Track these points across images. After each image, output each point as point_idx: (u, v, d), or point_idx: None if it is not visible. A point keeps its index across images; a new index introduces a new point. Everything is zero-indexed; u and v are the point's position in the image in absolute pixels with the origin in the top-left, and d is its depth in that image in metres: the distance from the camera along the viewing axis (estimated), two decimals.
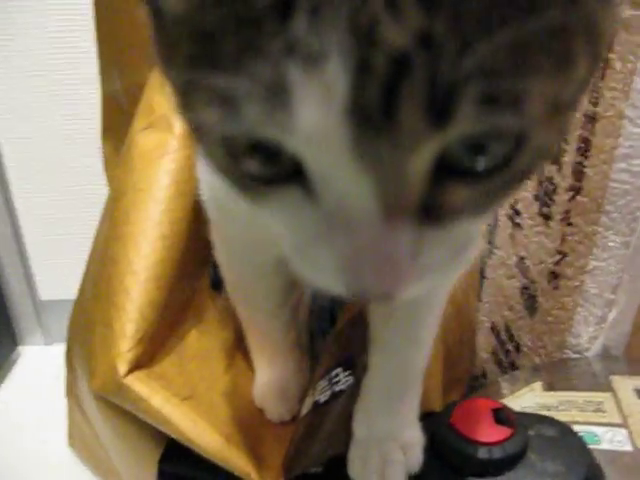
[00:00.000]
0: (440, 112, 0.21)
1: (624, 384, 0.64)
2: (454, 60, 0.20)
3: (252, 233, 0.44)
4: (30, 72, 1.04)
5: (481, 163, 0.24)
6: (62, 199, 1.12)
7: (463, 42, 0.20)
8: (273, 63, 0.21)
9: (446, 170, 0.24)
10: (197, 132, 0.26)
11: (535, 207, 0.74)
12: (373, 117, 0.21)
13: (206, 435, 0.53)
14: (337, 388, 0.53)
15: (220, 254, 0.53)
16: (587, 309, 0.68)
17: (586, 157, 0.64)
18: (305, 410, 0.55)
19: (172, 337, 0.60)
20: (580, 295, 0.68)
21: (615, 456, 0.55)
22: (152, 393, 0.53)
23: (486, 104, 0.21)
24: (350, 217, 0.24)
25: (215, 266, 0.59)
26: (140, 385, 0.53)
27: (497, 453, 0.49)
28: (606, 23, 0.24)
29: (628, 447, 0.55)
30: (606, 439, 0.57)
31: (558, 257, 0.69)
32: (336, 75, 0.21)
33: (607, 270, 0.66)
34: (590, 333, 0.69)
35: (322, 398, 0.54)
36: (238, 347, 0.65)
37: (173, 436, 0.54)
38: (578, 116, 0.64)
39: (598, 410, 0.61)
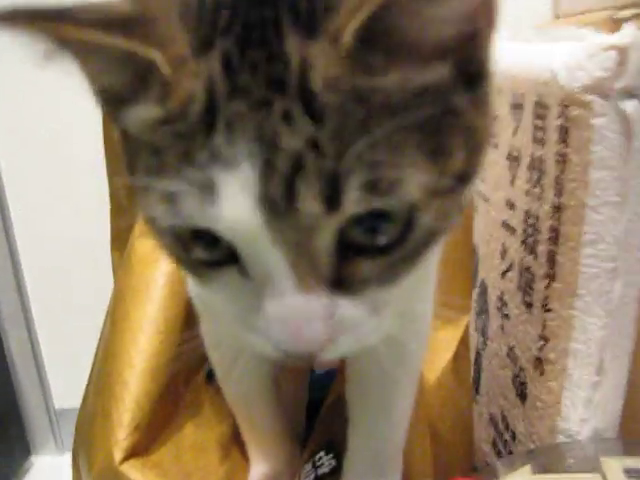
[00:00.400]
0: (330, 199, 0.27)
1: (614, 464, 0.64)
2: (338, 158, 0.26)
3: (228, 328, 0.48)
4: None
5: (377, 241, 0.29)
6: (78, 308, 1.17)
7: (345, 143, 0.26)
8: (202, 168, 0.27)
9: (350, 247, 0.29)
10: (152, 226, 0.32)
11: (519, 297, 0.77)
12: (279, 206, 0.27)
13: None
14: (320, 471, 0.55)
15: (208, 345, 0.57)
16: (573, 392, 0.70)
17: (557, 245, 0.68)
18: None
19: (168, 428, 0.62)
20: (565, 379, 0.70)
21: None
22: (147, 478, 0.56)
23: (368, 190, 0.27)
24: (272, 288, 0.29)
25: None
26: (135, 473, 0.56)
27: None
28: (480, 123, 0.30)
29: None
30: None
31: (541, 343, 0.71)
32: (248, 175, 0.27)
33: (587, 352, 0.68)
34: (579, 416, 0.70)
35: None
36: (234, 440, 0.68)
37: None
38: (547, 207, 0.69)
39: None
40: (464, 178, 0.30)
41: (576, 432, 0.71)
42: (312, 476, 0.56)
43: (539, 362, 0.73)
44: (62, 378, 1.20)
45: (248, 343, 0.33)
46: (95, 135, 0.93)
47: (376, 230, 0.29)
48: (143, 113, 0.29)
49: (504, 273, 0.82)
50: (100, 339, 0.71)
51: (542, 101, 0.69)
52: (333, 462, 0.56)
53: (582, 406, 0.70)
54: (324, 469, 0.56)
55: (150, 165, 0.29)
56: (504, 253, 0.82)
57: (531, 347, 0.74)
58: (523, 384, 0.76)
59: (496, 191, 0.85)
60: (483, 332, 0.90)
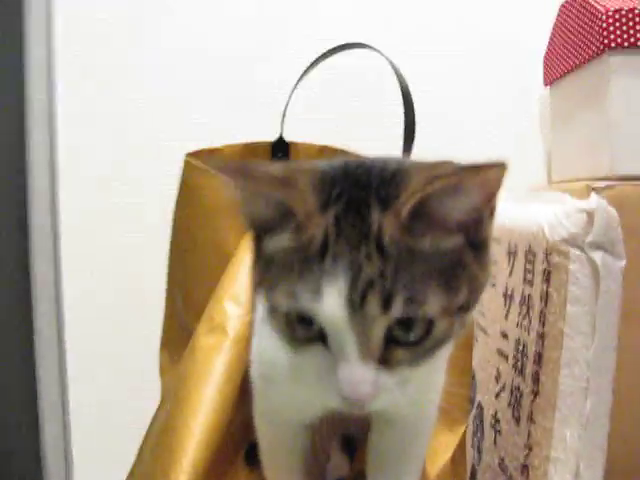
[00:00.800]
0: (385, 306, 0.44)
1: None
2: (392, 283, 0.44)
3: (289, 395, 0.63)
4: None
5: (409, 337, 0.47)
6: (113, 410, 1.29)
7: (397, 275, 0.44)
8: (315, 279, 0.45)
9: (392, 340, 0.46)
10: (272, 310, 0.49)
11: (509, 413, 0.90)
12: (356, 307, 0.44)
13: None
14: None
15: (260, 420, 0.70)
16: None
17: (540, 366, 0.83)
18: None
19: None
20: None
21: None
22: None
23: (407, 304, 0.44)
24: (344, 358, 0.46)
25: (251, 444, 0.76)
26: None
27: None
28: (479, 273, 0.48)
29: None
30: None
31: (527, 451, 0.84)
32: (341, 287, 0.44)
33: (565, 460, 0.81)
34: None
35: None
36: None
37: None
38: (533, 335, 0.84)
39: None
40: (466, 307, 0.48)
41: None
42: None
43: (525, 469, 0.85)
44: (88, 474, 1.29)
45: (323, 396, 0.49)
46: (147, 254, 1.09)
47: (409, 331, 0.46)
48: (281, 240, 0.47)
49: (498, 394, 0.96)
50: (155, 418, 0.84)
51: (531, 250, 0.87)
52: None
53: None
54: None
55: (280, 274, 0.47)
56: (498, 377, 0.96)
57: (518, 456, 0.86)
58: None
59: (493, 324, 1.01)
60: (479, 449, 1.03)
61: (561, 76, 1.11)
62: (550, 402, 0.81)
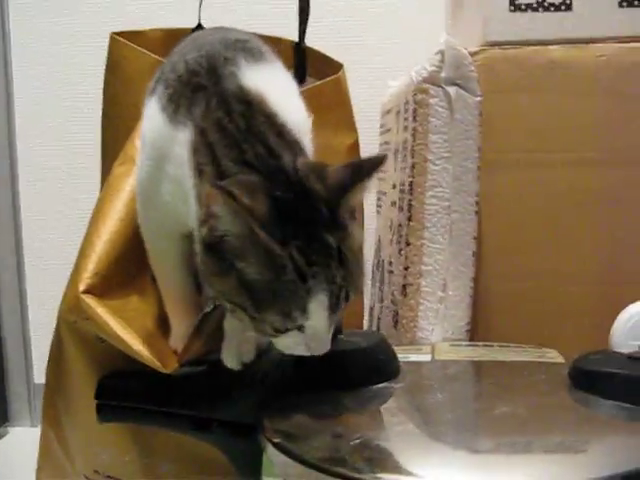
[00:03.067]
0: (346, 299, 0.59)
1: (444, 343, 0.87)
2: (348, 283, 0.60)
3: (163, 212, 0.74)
4: None
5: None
6: None
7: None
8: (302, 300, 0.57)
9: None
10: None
11: (396, 250, 1.02)
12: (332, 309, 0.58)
13: (128, 335, 0.77)
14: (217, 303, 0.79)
15: (143, 228, 0.81)
16: (425, 305, 0.93)
17: (412, 194, 0.95)
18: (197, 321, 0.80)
19: (119, 290, 0.85)
20: (419, 295, 0.93)
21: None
22: (98, 305, 0.79)
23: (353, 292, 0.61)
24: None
25: None
26: (91, 301, 0.78)
27: None
28: None
29: None
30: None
31: (405, 272, 0.96)
32: (323, 298, 0.57)
33: (435, 272, 0.93)
34: (431, 324, 0.93)
35: (208, 310, 0.79)
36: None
37: (106, 337, 0.77)
38: (407, 170, 0.97)
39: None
40: None
41: (428, 337, 0.94)
42: (212, 305, 0.80)
43: (404, 289, 0.96)
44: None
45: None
46: None
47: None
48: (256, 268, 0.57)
49: (391, 239, 1.07)
50: None
51: (406, 99, 1.00)
52: None
53: (432, 316, 0.93)
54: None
55: (266, 297, 0.58)
56: (392, 225, 1.08)
57: (400, 280, 0.98)
58: (397, 314, 1.00)
59: (389, 184, 1.13)
60: (381, 300, 1.15)
61: None
62: (420, 222, 0.93)
